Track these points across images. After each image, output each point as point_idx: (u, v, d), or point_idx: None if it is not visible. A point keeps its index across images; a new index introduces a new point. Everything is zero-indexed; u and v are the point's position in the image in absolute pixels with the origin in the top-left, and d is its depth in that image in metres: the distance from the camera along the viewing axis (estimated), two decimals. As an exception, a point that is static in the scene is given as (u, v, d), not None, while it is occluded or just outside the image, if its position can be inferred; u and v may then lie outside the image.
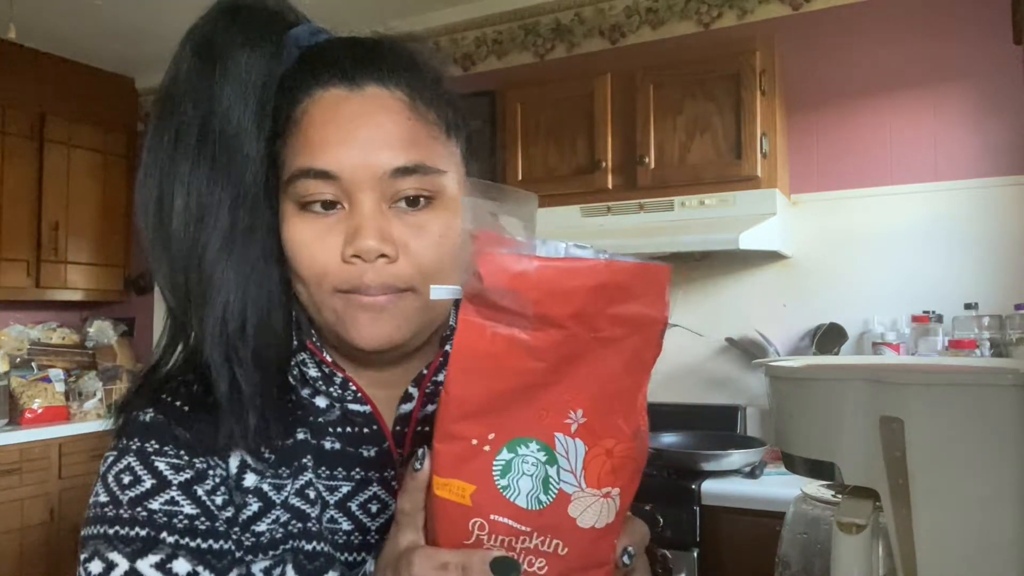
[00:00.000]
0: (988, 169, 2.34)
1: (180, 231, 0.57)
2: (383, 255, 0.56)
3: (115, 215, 3.93)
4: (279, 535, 0.60)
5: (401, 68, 0.59)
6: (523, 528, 0.44)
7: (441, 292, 0.45)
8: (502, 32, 3.19)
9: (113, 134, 3.94)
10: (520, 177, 2.66)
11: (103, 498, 0.57)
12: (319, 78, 0.58)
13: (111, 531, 0.56)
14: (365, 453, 0.63)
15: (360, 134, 0.57)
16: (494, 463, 0.44)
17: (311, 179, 0.56)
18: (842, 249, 2.51)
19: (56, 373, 3.47)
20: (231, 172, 0.58)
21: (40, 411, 3.27)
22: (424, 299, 0.59)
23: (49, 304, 3.84)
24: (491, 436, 0.44)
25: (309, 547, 0.60)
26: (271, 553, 0.59)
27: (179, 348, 0.62)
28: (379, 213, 0.57)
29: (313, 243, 0.57)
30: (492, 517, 0.44)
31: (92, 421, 3.39)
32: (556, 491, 0.43)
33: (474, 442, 0.44)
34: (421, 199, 0.58)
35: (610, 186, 2.53)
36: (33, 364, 3.54)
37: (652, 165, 2.45)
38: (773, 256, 2.52)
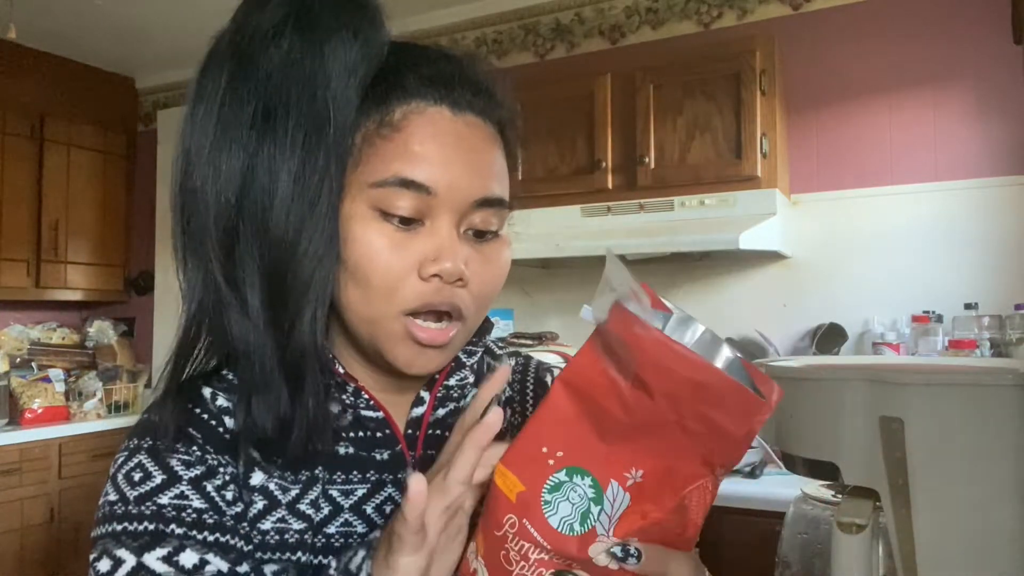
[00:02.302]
0: (988, 169, 2.34)
1: (282, 221, 0.54)
2: (460, 279, 0.57)
3: (115, 215, 3.93)
4: (290, 539, 0.59)
5: (495, 103, 0.61)
6: (545, 544, 0.46)
7: (588, 314, 0.48)
8: (502, 32, 3.19)
9: (113, 134, 3.94)
10: (520, 177, 2.65)
11: (112, 497, 0.57)
12: (420, 91, 0.57)
13: (119, 528, 0.55)
14: (378, 456, 0.63)
15: (463, 158, 0.57)
16: (550, 478, 0.47)
17: (404, 189, 0.55)
18: (842, 249, 2.51)
19: (56, 373, 3.47)
20: (336, 159, 0.55)
21: (40, 411, 3.27)
22: (468, 328, 0.61)
23: (49, 304, 3.84)
24: (560, 453, 0.47)
25: (315, 560, 0.60)
26: (278, 555, 0.59)
27: (199, 345, 0.60)
28: (458, 237, 0.58)
29: (390, 252, 0.56)
30: (524, 522, 0.47)
31: (92, 421, 3.40)
32: (589, 527, 0.46)
33: (544, 450, 0.47)
34: (488, 234, 0.60)
35: (610, 186, 2.53)
36: (33, 364, 3.54)
37: (652, 165, 2.45)
38: (773, 256, 2.52)
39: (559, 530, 0.46)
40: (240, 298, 0.56)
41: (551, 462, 0.47)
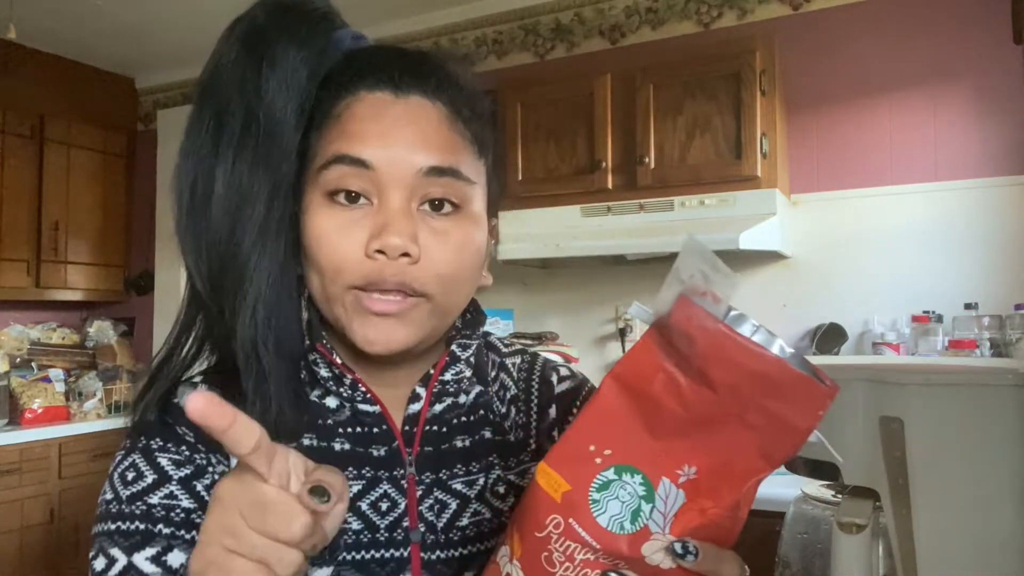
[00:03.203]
0: (988, 169, 2.33)
1: (218, 218, 0.57)
2: (406, 254, 0.56)
3: (115, 215, 3.93)
4: None
5: (445, 84, 0.61)
6: (594, 544, 0.45)
7: (637, 311, 0.47)
8: (502, 32, 3.19)
9: (113, 134, 3.94)
10: (520, 177, 2.66)
11: (108, 495, 0.59)
12: (365, 80, 0.59)
13: (112, 527, 0.57)
14: (375, 452, 0.63)
15: (401, 133, 0.58)
16: (597, 476, 0.46)
17: (345, 165, 0.57)
18: (842, 249, 2.51)
19: (56, 373, 3.47)
20: (270, 163, 0.58)
21: (40, 411, 3.27)
22: (435, 306, 0.59)
23: (49, 304, 3.84)
24: (608, 452, 0.46)
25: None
26: None
27: (190, 341, 0.62)
28: (407, 212, 0.58)
29: (337, 234, 0.57)
30: (571, 522, 0.46)
31: (92, 421, 3.40)
32: (642, 526, 0.45)
33: (591, 448, 0.46)
34: (447, 204, 0.59)
35: (610, 186, 2.53)
36: (33, 364, 3.54)
37: (652, 165, 2.44)
38: (773, 256, 2.52)
39: (609, 529, 0.45)
40: (198, 296, 0.59)
41: (598, 460, 0.46)
